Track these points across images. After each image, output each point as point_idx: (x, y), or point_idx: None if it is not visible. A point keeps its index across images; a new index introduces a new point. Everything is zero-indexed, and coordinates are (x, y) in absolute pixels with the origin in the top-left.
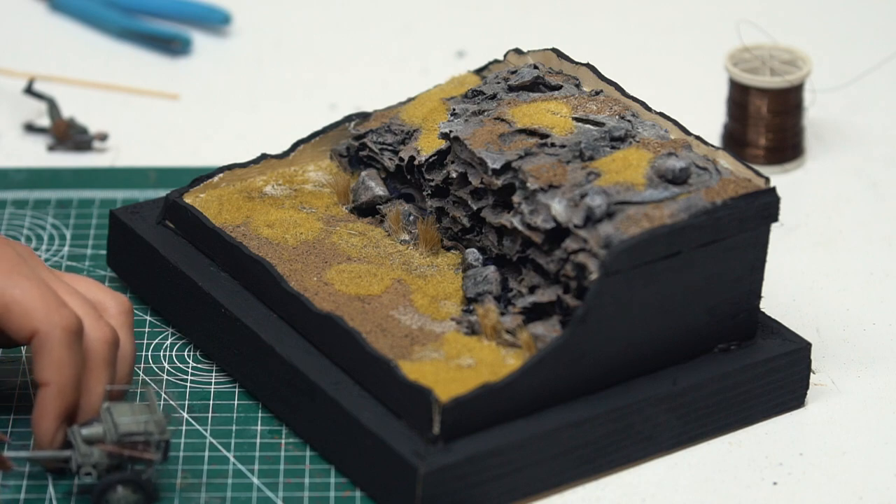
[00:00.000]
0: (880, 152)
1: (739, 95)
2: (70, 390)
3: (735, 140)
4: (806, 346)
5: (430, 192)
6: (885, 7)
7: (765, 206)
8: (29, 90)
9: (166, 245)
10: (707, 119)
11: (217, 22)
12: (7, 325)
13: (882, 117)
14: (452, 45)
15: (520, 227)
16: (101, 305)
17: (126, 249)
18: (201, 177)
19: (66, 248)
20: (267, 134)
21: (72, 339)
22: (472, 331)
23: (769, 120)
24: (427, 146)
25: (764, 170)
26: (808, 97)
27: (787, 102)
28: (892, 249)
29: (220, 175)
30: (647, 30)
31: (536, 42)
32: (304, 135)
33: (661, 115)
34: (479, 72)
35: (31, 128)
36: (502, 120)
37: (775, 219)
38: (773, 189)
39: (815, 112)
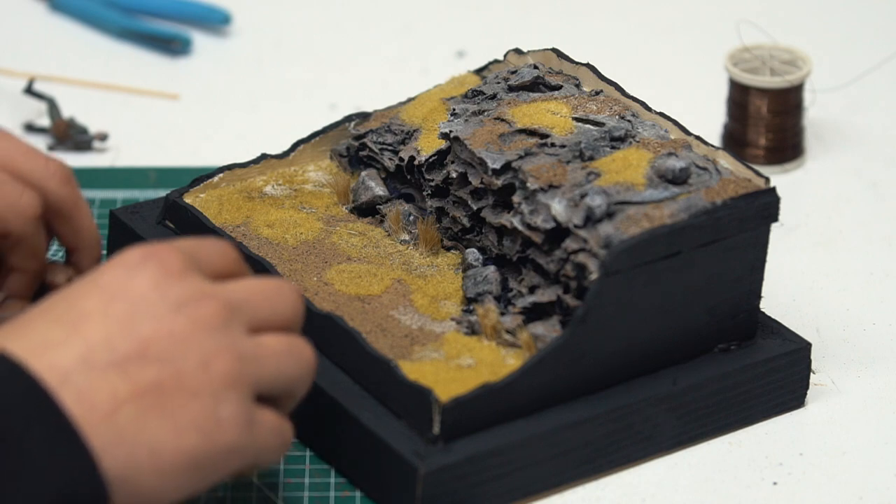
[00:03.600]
0: (880, 152)
1: (739, 95)
2: (42, 271)
3: (735, 140)
4: (806, 346)
5: (430, 192)
6: (885, 7)
7: (765, 206)
8: (29, 90)
9: None
10: (707, 119)
11: (217, 22)
12: None
13: (882, 117)
14: (452, 45)
15: (520, 227)
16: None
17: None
18: (201, 177)
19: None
20: (267, 134)
21: (39, 226)
22: (472, 331)
23: (769, 120)
24: (427, 146)
25: (764, 170)
26: (808, 97)
27: (787, 102)
28: (892, 249)
29: (220, 175)
30: (647, 30)
31: (537, 42)
32: (304, 135)
33: (661, 115)
34: (479, 72)
35: (31, 128)
36: (502, 120)
37: (775, 219)
38: (773, 189)
39: (815, 112)
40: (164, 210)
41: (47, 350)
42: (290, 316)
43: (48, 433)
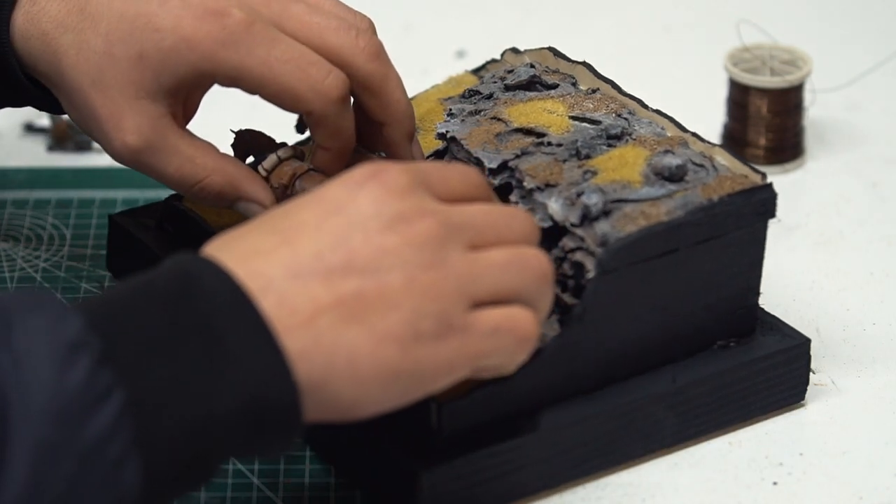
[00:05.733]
0: (880, 152)
1: (739, 95)
2: (348, 150)
3: (735, 140)
4: (805, 342)
5: None
6: (885, 7)
7: (762, 202)
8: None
9: (166, 249)
10: (707, 119)
11: None
12: (282, 106)
13: (882, 117)
14: (452, 45)
15: None
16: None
17: (126, 254)
18: None
19: (66, 248)
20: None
21: (343, 107)
22: None
23: (769, 120)
24: (424, 147)
25: (764, 170)
26: (808, 97)
27: (787, 102)
28: (892, 249)
29: None
30: (647, 30)
31: (537, 42)
32: (304, 136)
33: (658, 112)
34: (476, 71)
35: (31, 128)
36: (499, 119)
37: (772, 215)
38: (770, 185)
39: (815, 112)
40: (164, 214)
41: (254, 257)
42: (521, 239)
43: (247, 336)
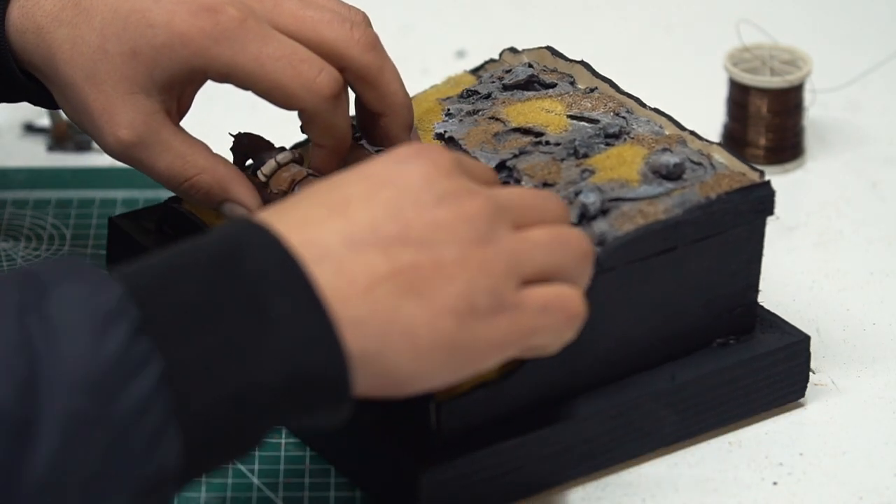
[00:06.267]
0: (880, 152)
1: (739, 95)
2: (344, 148)
3: (735, 140)
4: (805, 339)
5: None
6: (885, 7)
7: (759, 199)
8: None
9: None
10: (707, 119)
11: None
12: (274, 103)
13: (882, 117)
14: (452, 45)
15: None
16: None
17: (125, 256)
18: None
19: (66, 248)
20: (267, 135)
21: (335, 104)
22: None
23: (769, 120)
24: None
25: (764, 170)
26: (808, 97)
27: (787, 102)
28: (892, 249)
29: None
30: (647, 30)
31: (536, 42)
32: (304, 137)
33: (656, 110)
34: (474, 71)
35: (31, 128)
36: (497, 119)
37: (770, 212)
38: (768, 182)
39: (815, 112)
40: (163, 216)
41: (308, 226)
42: (557, 218)
43: (295, 304)
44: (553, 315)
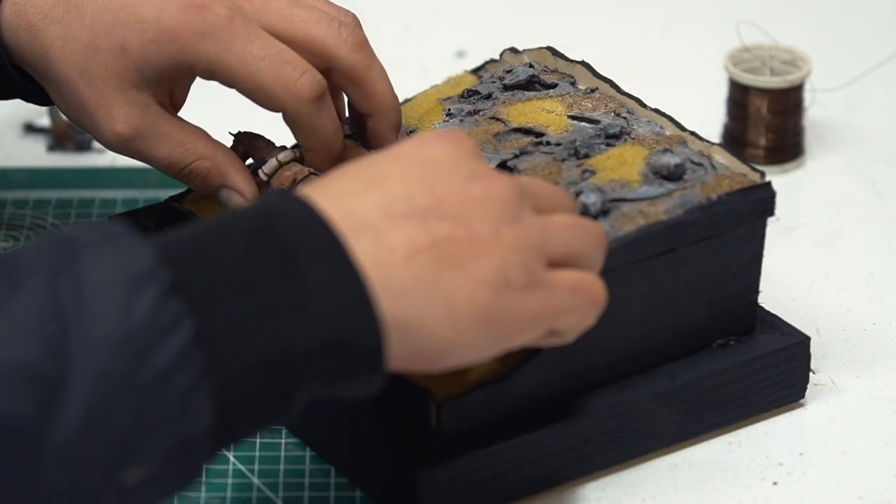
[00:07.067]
0: (880, 152)
1: (739, 95)
2: (332, 150)
3: (735, 140)
4: (805, 340)
5: None
6: (885, 7)
7: (760, 200)
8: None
9: None
10: (707, 119)
11: None
12: (257, 103)
13: (882, 117)
14: (452, 45)
15: None
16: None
17: None
18: None
19: None
20: (267, 134)
21: (317, 106)
22: None
23: (769, 120)
24: None
25: (764, 170)
26: (808, 97)
27: (787, 102)
28: (892, 249)
29: None
30: (647, 30)
31: (536, 42)
32: None
33: (657, 111)
34: (475, 71)
35: (31, 128)
36: (497, 119)
37: (771, 213)
38: (769, 183)
39: (815, 112)
40: (163, 215)
41: (347, 198)
42: (569, 210)
43: (331, 272)
44: (581, 297)
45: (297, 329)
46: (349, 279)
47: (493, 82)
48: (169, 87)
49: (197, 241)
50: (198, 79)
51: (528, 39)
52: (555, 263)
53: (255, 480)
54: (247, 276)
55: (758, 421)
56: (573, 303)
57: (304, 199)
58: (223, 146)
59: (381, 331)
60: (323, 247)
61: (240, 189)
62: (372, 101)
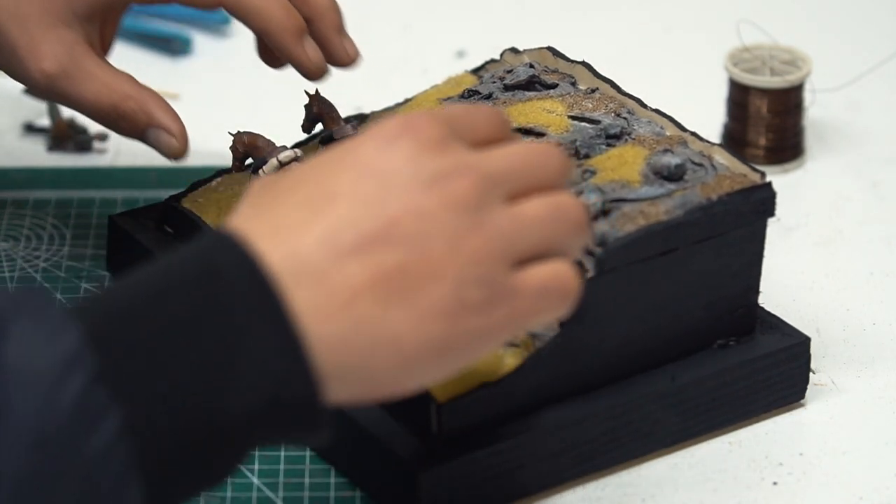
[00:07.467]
0: (880, 152)
1: (739, 95)
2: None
3: (735, 140)
4: (805, 340)
5: None
6: (885, 7)
7: (761, 201)
8: (29, 91)
9: (166, 250)
10: (707, 119)
11: (217, 22)
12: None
13: (882, 117)
14: (452, 45)
15: None
16: None
17: (125, 255)
18: (199, 181)
19: (66, 248)
20: (267, 134)
21: (300, 40)
22: None
23: (769, 120)
24: None
25: (764, 170)
26: (808, 97)
27: (787, 102)
28: (892, 249)
29: (219, 179)
30: (647, 30)
31: (537, 42)
32: (304, 136)
33: (657, 111)
34: (475, 71)
35: (31, 128)
36: None
37: (772, 213)
38: (769, 184)
39: (815, 112)
40: (163, 215)
41: (289, 234)
42: (556, 179)
43: (267, 333)
44: (550, 296)
45: (232, 395)
46: (285, 338)
47: (494, 82)
48: (100, 21)
49: (126, 313)
50: (193, 79)
51: (529, 39)
52: (525, 259)
53: (255, 480)
54: (180, 346)
55: (758, 421)
56: (542, 305)
57: (243, 245)
58: (150, 89)
59: (317, 387)
60: (257, 304)
61: (166, 126)
62: (309, 4)
